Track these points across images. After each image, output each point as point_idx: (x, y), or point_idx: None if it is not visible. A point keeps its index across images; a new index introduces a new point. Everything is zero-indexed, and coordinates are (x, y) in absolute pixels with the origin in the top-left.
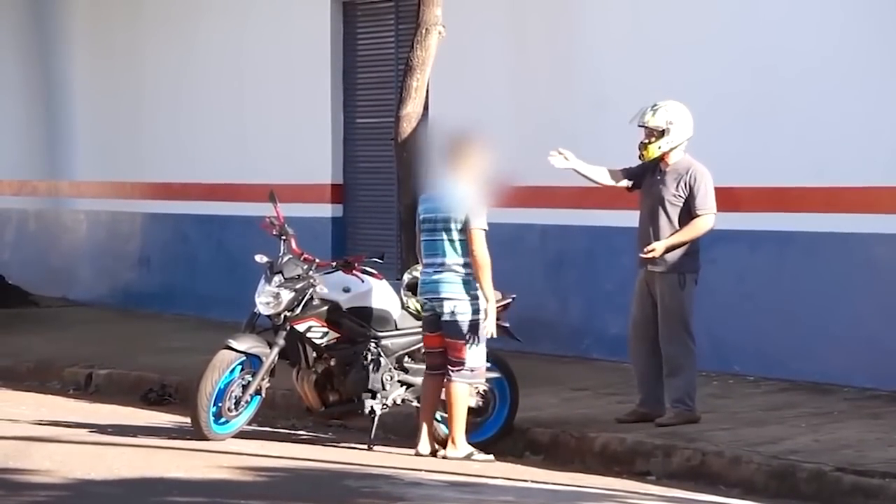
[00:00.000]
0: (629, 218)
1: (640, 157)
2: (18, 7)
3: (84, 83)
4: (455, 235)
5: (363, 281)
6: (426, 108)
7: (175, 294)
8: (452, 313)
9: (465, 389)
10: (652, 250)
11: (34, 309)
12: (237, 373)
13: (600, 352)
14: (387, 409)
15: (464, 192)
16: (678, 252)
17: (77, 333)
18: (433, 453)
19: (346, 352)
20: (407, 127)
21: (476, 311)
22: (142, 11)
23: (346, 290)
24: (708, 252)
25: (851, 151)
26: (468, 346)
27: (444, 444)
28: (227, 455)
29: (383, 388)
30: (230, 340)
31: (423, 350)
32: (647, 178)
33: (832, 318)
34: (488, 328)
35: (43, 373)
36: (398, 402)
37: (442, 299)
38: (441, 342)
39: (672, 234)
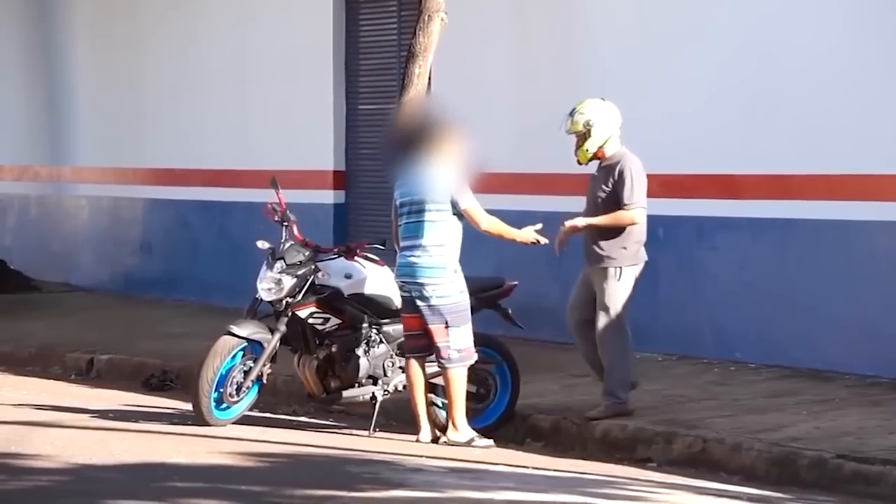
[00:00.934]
0: None
1: (578, 164)
2: None
3: (86, 69)
4: (435, 217)
5: (365, 267)
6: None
7: (177, 280)
8: (432, 297)
9: (462, 373)
10: (574, 227)
11: (36, 294)
12: (238, 359)
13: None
14: (388, 396)
15: (443, 175)
16: (614, 246)
17: (79, 319)
18: (434, 440)
19: (347, 338)
20: None
21: (457, 293)
22: None
23: (348, 277)
24: (709, 239)
25: (853, 139)
26: (451, 328)
27: (444, 430)
28: (228, 441)
29: (385, 375)
30: (232, 326)
31: (403, 332)
32: (591, 177)
33: (833, 306)
34: (528, 239)
35: (44, 358)
36: (399, 388)
37: (421, 284)
38: (421, 323)
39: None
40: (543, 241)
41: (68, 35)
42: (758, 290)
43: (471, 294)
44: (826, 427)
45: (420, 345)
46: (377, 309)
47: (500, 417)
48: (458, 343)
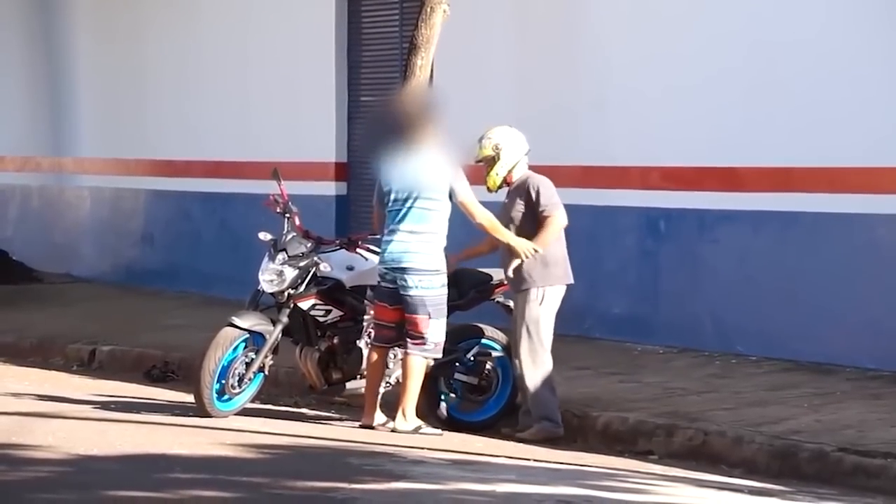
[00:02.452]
0: (633, 197)
1: (488, 190)
2: None
3: (88, 59)
4: (428, 205)
5: (366, 259)
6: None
7: (178, 271)
8: (416, 287)
9: (423, 364)
10: (535, 251)
11: (37, 285)
12: (240, 350)
13: (602, 331)
14: (389, 388)
15: (436, 163)
16: (537, 268)
17: (80, 310)
18: (383, 424)
19: (349, 330)
20: None
21: (439, 285)
22: None
23: (350, 269)
24: (710, 232)
25: (855, 132)
26: (431, 320)
27: (445, 420)
28: (229, 432)
29: (386, 367)
30: (233, 318)
31: (374, 321)
32: (503, 203)
33: (835, 299)
34: (526, 251)
35: (46, 349)
36: (401, 380)
37: (406, 272)
38: (398, 316)
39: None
40: (536, 249)
41: (70, 26)
42: (759, 283)
43: (472, 287)
44: (827, 420)
45: (389, 336)
46: None
47: (501, 410)
48: (435, 336)
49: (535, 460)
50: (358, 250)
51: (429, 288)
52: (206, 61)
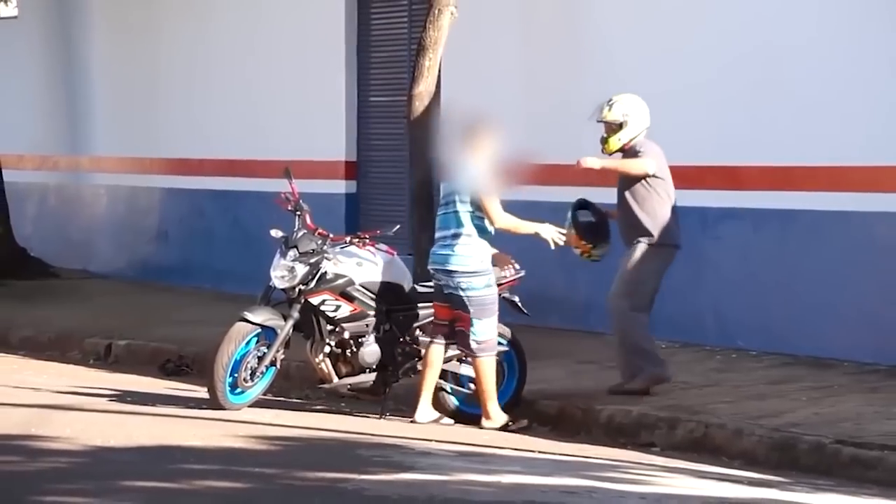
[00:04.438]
0: None
1: (602, 151)
2: None
3: (103, 60)
4: (463, 208)
5: (376, 255)
6: (438, 87)
7: (192, 267)
8: (459, 288)
9: (487, 363)
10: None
11: (55, 281)
12: (253, 344)
13: (607, 326)
14: (398, 381)
15: (473, 170)
16: (639, 225)
17: (97, 305)
18: (436, 421)
19: (358, 325)
20: (419, 105)
21: (483, 286)
22: None
23: (360, 265)
24: (712, 229)
25: (854, 132)
26: (473, 320)
27: (451, 414)
28: (242, 424)
29: (395, 361)
30: (246, 313)
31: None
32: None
33: (834, 295)
34: (553, 238)
35: (63, 343)
36: (410, 374)
37: (450, 272)
38: (447, 313)
39: (636, 210)
40: (560, 241)
41: (86, 26)
42: (760, 279)
43: None
44: (825, 413)
45: (443, 332)
46: (388, 296)
47: (507, 403)
48: (478, 335)
49: (539, 452)
50: (368, 247)
51: (470, 288)
52: (220, 62)
